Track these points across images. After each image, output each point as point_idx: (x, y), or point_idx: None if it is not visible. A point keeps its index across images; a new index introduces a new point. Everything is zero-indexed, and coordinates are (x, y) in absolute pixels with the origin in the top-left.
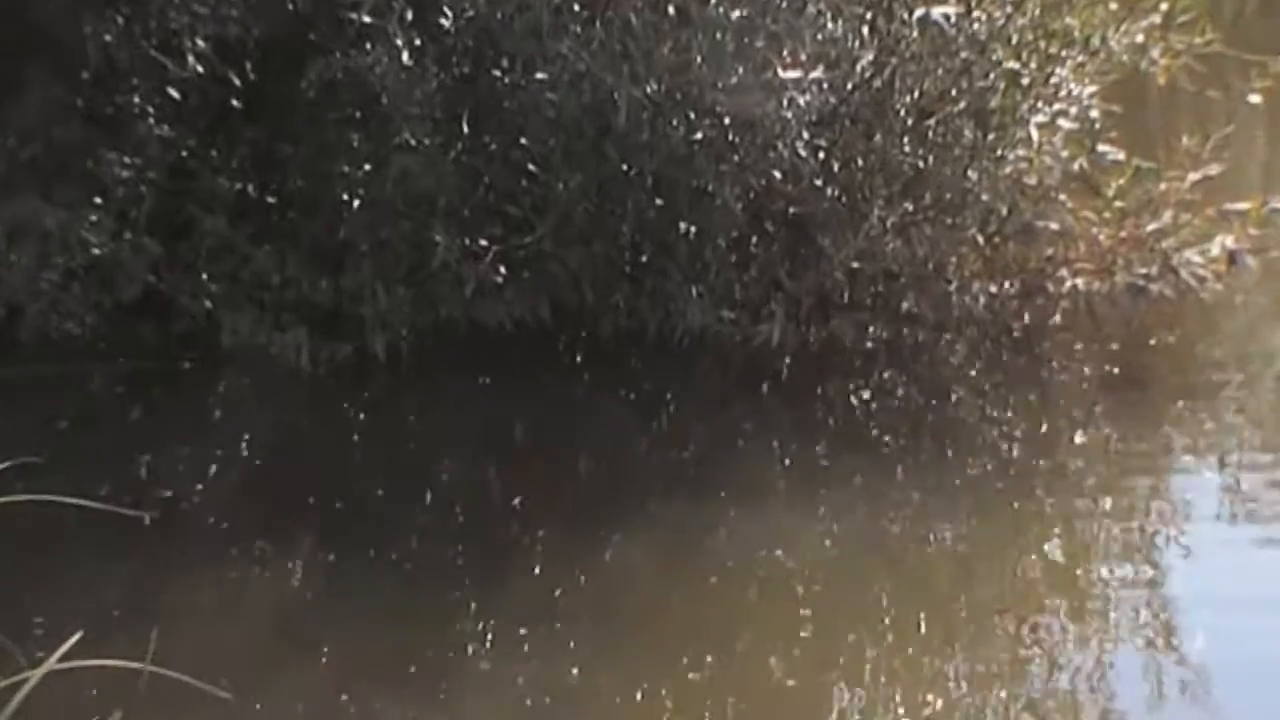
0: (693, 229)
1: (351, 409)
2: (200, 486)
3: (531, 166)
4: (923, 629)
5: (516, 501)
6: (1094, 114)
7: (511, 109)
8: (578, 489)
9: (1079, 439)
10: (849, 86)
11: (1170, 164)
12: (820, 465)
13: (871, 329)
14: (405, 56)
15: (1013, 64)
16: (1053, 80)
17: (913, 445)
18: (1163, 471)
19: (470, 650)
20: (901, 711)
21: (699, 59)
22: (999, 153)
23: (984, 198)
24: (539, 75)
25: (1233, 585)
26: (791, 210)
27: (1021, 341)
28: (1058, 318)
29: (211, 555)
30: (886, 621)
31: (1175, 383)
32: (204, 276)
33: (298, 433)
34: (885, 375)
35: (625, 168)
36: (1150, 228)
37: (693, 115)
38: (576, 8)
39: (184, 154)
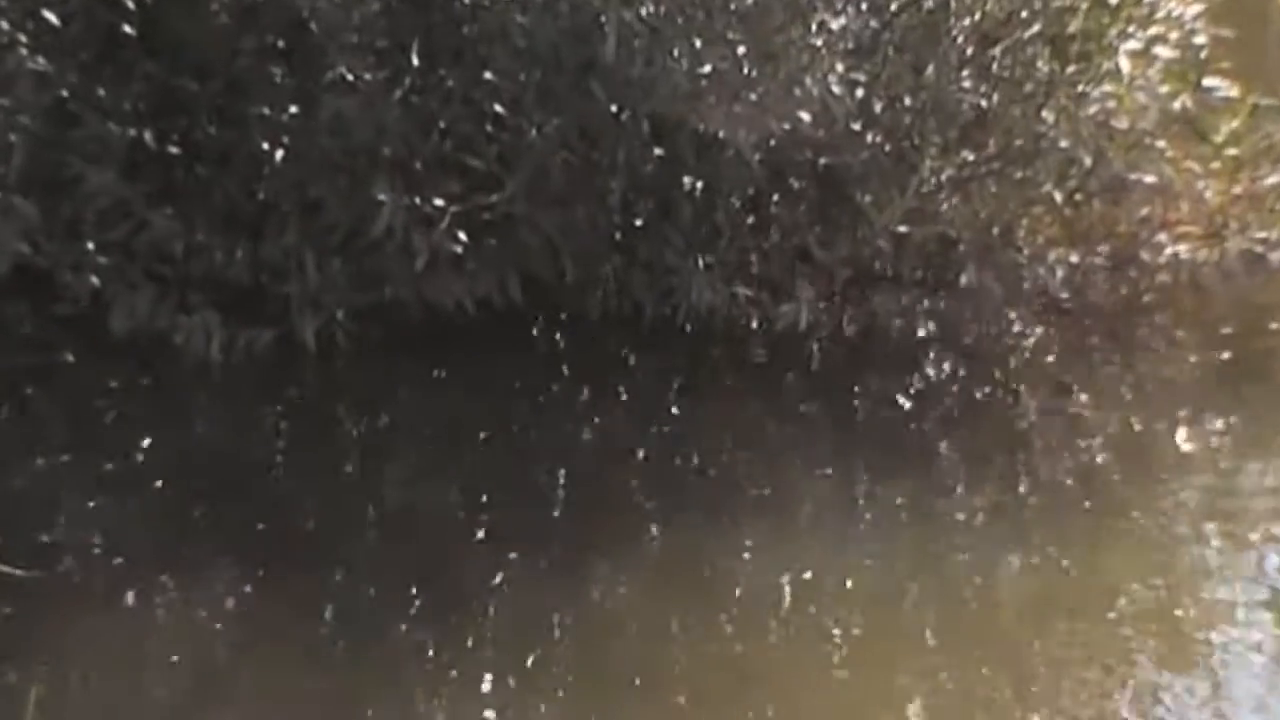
0: (699, 185)
1: (275, 410)
2: (87, 509)
3: (498, 108)
4: (987, 685)
5: (480, 524)
6: (1200, 39)
7: (472, 36)
8: (557, 508)
9: (1183, 444)
10: (893, 6)
11: None
12: (858, 478)
13: (922, 308)
14: None
15: None
16: None
17: (973, 453)
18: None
19: (422, 710)
20: None
21: None
22: (1080, 89)
23: (1062, 145)
24: None
25: None
26: (822, 161)
27: (1109, 323)
28: (1155, 294)
29: (102, 596)
30: (942, 676)
31: None
32: (90, 246)
33: (208, 441)
34: (939, 366)
35: (615, 109)
36: (1270, 181)
37: (698, 43)
38: None
39: (64, 93)
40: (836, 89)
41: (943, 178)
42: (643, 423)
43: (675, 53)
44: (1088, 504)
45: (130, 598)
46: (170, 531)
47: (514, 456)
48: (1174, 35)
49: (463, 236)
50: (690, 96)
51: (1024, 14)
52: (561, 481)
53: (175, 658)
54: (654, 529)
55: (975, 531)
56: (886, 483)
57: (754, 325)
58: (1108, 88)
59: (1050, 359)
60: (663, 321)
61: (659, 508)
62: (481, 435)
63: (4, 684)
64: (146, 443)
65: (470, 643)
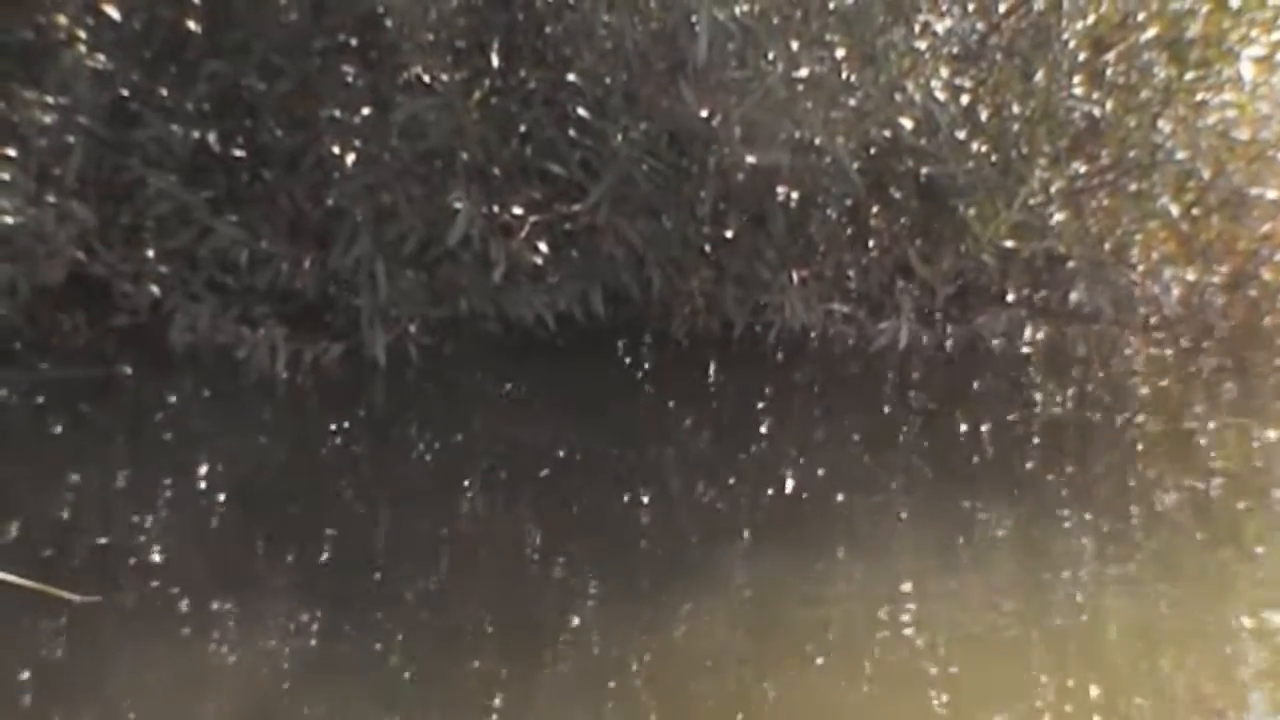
0: (794, 196)
1: (342, 429)
2: (143, 532)
3: (582, 112)
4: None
5: (558, 553)
6: None
7: (555, 36)
8: (638, 536)
9: None
10: (1001, 8)
11: None
12: (959, 506)
13: (1029, 328)
14: None
15: None
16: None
17: (1083, 481)
18: None
19: None
20: None
21: None
22: (1199, 97)
23: (1179, 156)
24: None
25: None
26: (924, 171)
27: (1228, 345)
28: (1276, 315)
29: (161, 624)
30: (1039, 705)
31: None
32: (149, 254)
33: (271, 460)
34: (1046, 388)
35: (705, 114)
36: None
37: (794, 44)
38: None
39: (124, 93)
40: (940, 95)
41: (1052, 190)
42: (731, 446)
43: (770, 55)
44: (1200, 535)
45: (188, 623)
46: (231, 555)
47: (593, 479)
48: None
49: (543, 247)
50: (786, 102)
51: (1140, 17)
52: (643, 506)
53: (234, 685)
54: (741, 556)
55: (1084, 563)
56: (989, 512)
57: (850, 344)
58: (1228, 96)
59: (1164, 382)
60: (753, 339)
61: (747, 534)
62: (560, 456)
63: (63, 706)
64: (206, 461)
65: (545, 675)
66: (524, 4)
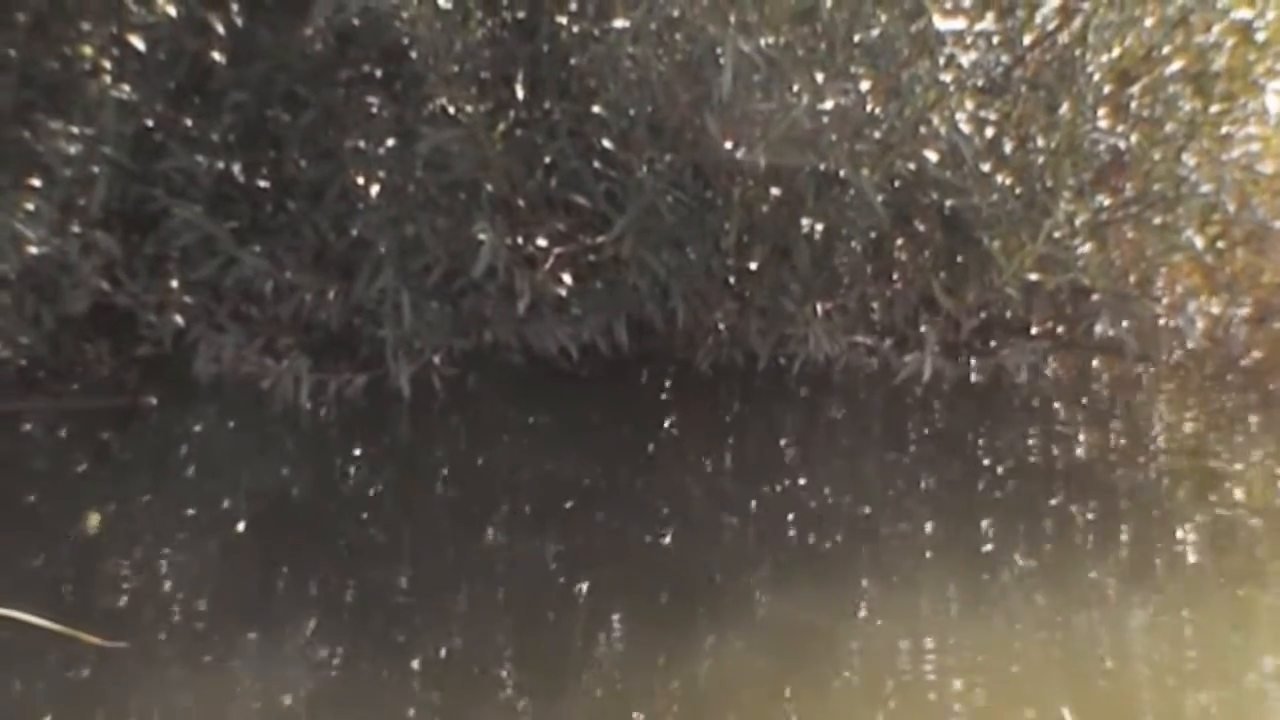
0: (818, 228)
1: (366, 460)
2: (167, 566)
3: (606, 143)
4: None
5: (583, 587)
6: None
7: (580, 67)
8: (664, 571)
9: None
10: (1026, 41)
11: None
12: (984, 542)
13: (1053, 361)
14: None
15: (1244, 12)
16: None
17: (1108, 517)
18: None
19: None
20: None
21: (828, 3)
22: (1225, 130)
23: (1204, 189)
24: (617, 23)
25: None
26: (949, 204)
27: (1253, 379)
28: None
29: (184, 661)
30: None
31: None
32: (174, 284)
33: (296, 492)
34: (1070, 422)
35: (729, 146)
36: None
37: (820, 77)
38: None
39: (149, 123)
40: (965, 128)
41: (1076, 223)
42: (754, 478)
43: (795, 87)
44: (1223, 576)
45: (212, 657)
46: (255, 588)
47: (617, 511)
48: None
49: (567, 278)
50: (810, 134)
51: (1165, 50)
52: (667, 539)
53: (256, 715)
54: (765, 590)
55: (1109, 603)
56: (1013, 549)
57: (874, 376)
58: (1254, 129)
59: (1188, 417)
60: (777, 371)
61: (770, 568)
62: (584, 487)
63: None
64: (230, 493)
65: (569, 707)
66: (549, 36)
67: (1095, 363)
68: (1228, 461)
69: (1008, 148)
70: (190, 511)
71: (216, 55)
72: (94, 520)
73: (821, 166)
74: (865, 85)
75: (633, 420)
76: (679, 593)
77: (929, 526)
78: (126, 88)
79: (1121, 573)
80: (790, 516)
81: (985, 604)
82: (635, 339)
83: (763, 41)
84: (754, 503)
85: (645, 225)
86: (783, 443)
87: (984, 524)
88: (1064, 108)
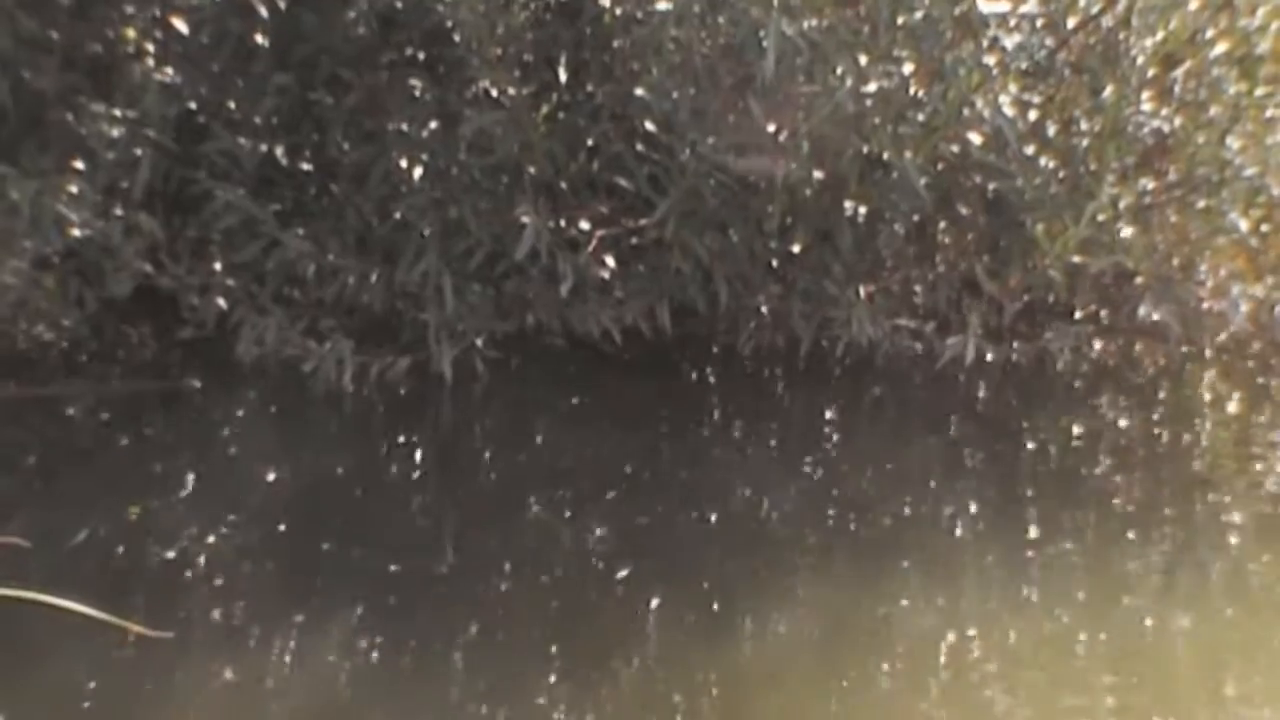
0: (861, 211)
1: (409, 443)
2: (210, 549)
3: (649, 126)
4: None
5: (624, 570)
6: None
7: (624, 50)
8: (704, 554)
9: None
10: (1070, 24)
11: None
12: (1025, 523)
13: (1096, 344)
14: None
15: None
16: None
17: (1148, 500)
18: None
19: None
20: None
21: None
22: (1269, 113)
23: (1249, 173)
24: (660, 5)
25: None
26: (992, 187)
27: None
28: None
29: (226, 639)
30: None
31: None
32: (216, 267)
33: (338, 475)
34: (1114, 406)
35: (773, 129)
36: None
37: (863, 60)
38: None
39: (192, 106)
40: (1009, 111)
41: (1120, 206)
42: (797, 462)
43: (838, 70)
44: (1266, 557)
45: (255, 638)
46: (297, 571)
47: (659, 495)
48: None
49: (610, 261)
50: (854, 117)
51: (1209, 33)
52: (709, 522)
53: (300, 702)
54: (807, 573)
55: (1149, 584)
56: (1055, 529)
57: (917, 359)
58: None
59: (1232, 401)
60: (819, 354)
61: (813, 555)
62: (626, 472)
63: None
64: (273, 476)
65: (613, 697)
66: (592, 19)
67: (1138, 346)
68: (1272, 445)
69: (1051, 131)
70: (233, 494)
71: (260, 38)
72: (135, 510)
73: (865, 149)
74: (908, 68)
75: (675, 404)
76: (721, 569)
77: (972, 510)
78: (170, 71)
79: (1166, 554)
80: (832, 497)
81: (1030, 585)
82: (678, 322)
83: (806, 24)
84: (796, 484)
85: (688, 208)
86: (826, 426)
87: (1026, 506)
88: (1108, 91)
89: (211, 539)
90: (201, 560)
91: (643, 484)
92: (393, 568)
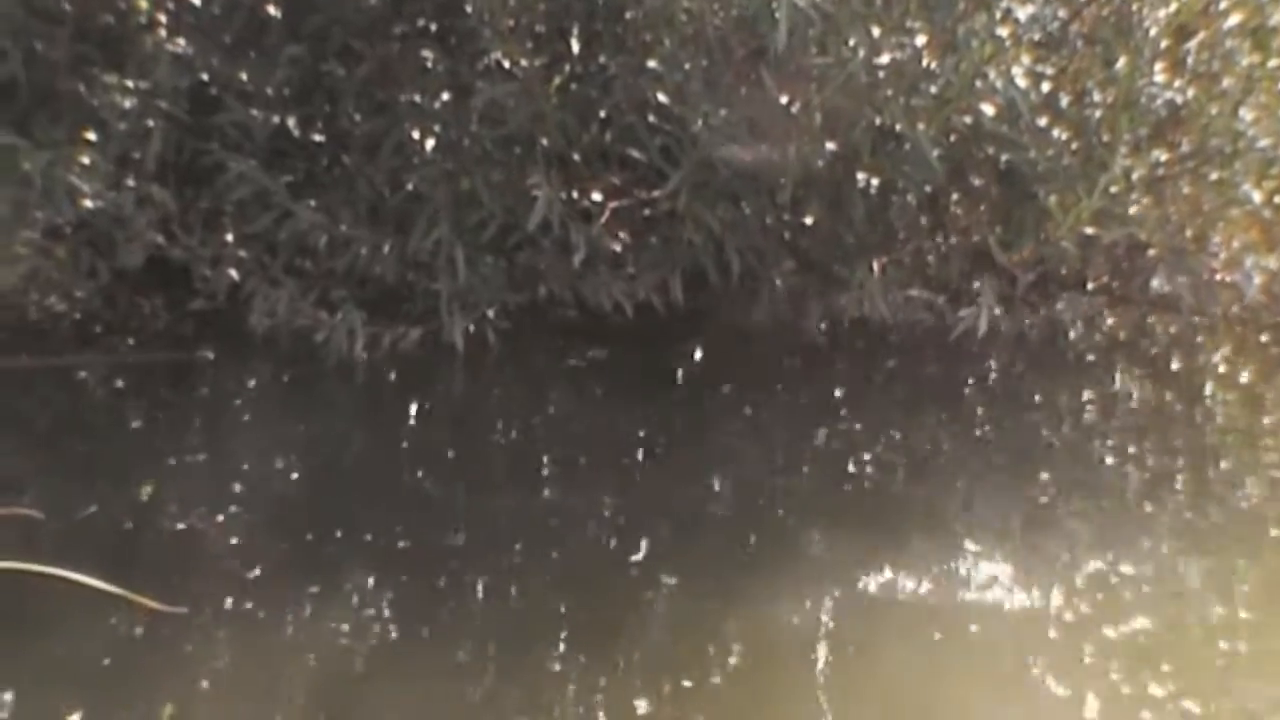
0: (874, 182)
1: (421, 414)
2: (223, 517)
3: (662, 97)
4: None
5: (634, 539)
6: None
7: (636, 21)
8: (718, 523)
9: None
10: None
11: None
12: (1037, 494)
13: (1109, 316)
14: None
15: None
16: None
17: (1161, 470)
18: None
19: None
20: None
21: None
22: None
23: (1262, 144)
24: None
25: None
26: (1005, 158)
27: None
28: None
29: (239, 609)
30: (1124, 690)
31: None
32: (229, 238)
33: (350, 445)
34: (1126, 376)
35: (785, 100)
36: None
37: (876, 31)
38: None
39: (204, 78)
40: (1021, 82)
41: (1133, 178)
42: (809, 435)
43: (851, 41)
44: (1277, 531)
45: (268, 607)
46: (309, 543)
47: (671, 468)
48: None
49: (622, 234)
50: (867, 88)
51: (1222, 4)
52: (721, 495)
53: (313, 674)
54: (819, 549)
55: (1159, 554)
56: (1070, 504)
57: (929, 330)
58: None
59: (1245, 375)
60: (832, 325)
61: (825, 525)
62: (638, 445)
63: (135, 695)
64: (286, 446)
65: (629, 666)
66: None
67: (1151, 318)
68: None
69: (1064, 102)
70: (246, 466)
71: (271, 9)
72: (148, 483)
73: (877, 121)
74: (921, 40)
75: (688, 376)
76: (732, 540)
77: (983, 478)
78: (182, 41)
79: (1172, 522)
80: (843, 468)
81: (1033, 545)
82: (691, 294)
83: None
84: (808, 455)
85: (700, 180)
86: (838, 397)
87: (1040, 476)
88: (1121, 62)
89: (224, 511)
90: (214, 533)
91: (655, 453)
92: (406, 538)
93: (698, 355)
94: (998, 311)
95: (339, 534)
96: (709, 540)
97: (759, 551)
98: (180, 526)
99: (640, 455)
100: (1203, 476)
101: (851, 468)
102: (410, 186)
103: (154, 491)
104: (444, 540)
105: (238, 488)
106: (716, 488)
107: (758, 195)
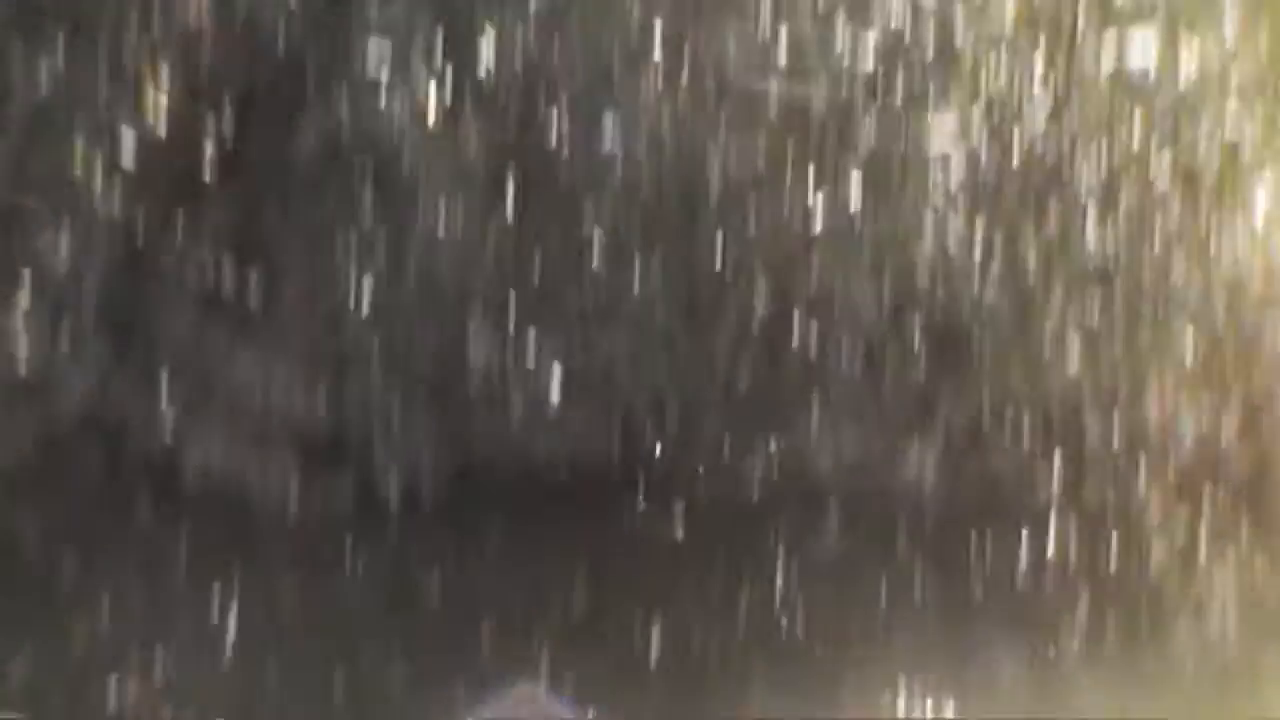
0: (813, 337)
1: (354, 571)
2: (153, 674)
3: (599, 248)
4: None
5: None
6: None
7: (571, 174)
8: (655, 683)
9: None
10: (1015, 151)
11: None
12: (973, 653)
13: (1045, 468)
14: (431, 105)
15: (1232, 115)
16: None
17: (1099, 631)
18: None
19: None
20: None
21: (817, 119)
22: (1214, 234)
23: (1195, 294)
24: (607, 129)
25: None
26: (942, 308)
27: (1247, 489)
28: None
29: None
30: None
31: None
32: (163, 388)
33: (283, 603)
34: (1064, 530)
35: (719, 256)
36: None
37: (811, 191)
38: (657, 36)
39: (140, 226)
40: (957, 238)
41: (1069, 331)
42: (745, 593)
43: (788, 197)
44: (1217, 690)
45: None
46: (244, 702)
47: (611, 626)
48: None
49: (559, 388)
50: (804, 244)
51: (1152, 154)
52: (661, 653)
53: None
54: (757, 710)
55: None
56: (1003, 659)
57: (868, 485)
58: (1244, 233)
59: (1181, 528)
60: (774, 482)
61: (760, 684)
62: (573, 609)
63: None
64: (218, 604)
65: None
66: (537, 143)
67: (1088, 472)
68: (1214, 569)
69: (999, 253)
70: (178, 619)
71: (210, 150)
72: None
73: (815, 276)
74: (856, 195)
75: (623, 533)
76: (670, 703)
77: (918, 636)
78: (118, 191)
79: (1102, 674)
80: (780, 627)
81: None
82: (628, 449)
83: (755, 151)
84: (744, 611)
85: (639, 332)
86: (780, 552)
87: (970, 632)
88: (1053, 215)
89: (153, 661)
90: (134, 693)
91: (588, 621)
92: (336, 695)
93: (634, 510)
94: (936, 462)
95: (271, 693)
96: (647, 704)
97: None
98: (112, 680)
99: (574, 622)
100: (1135, 632)
101: (785, 628)
102: (346, 336)
103: (86, 649)
104: (376, 702)
105: (168, 642)
106: (650, 654)
107: (695, 348)
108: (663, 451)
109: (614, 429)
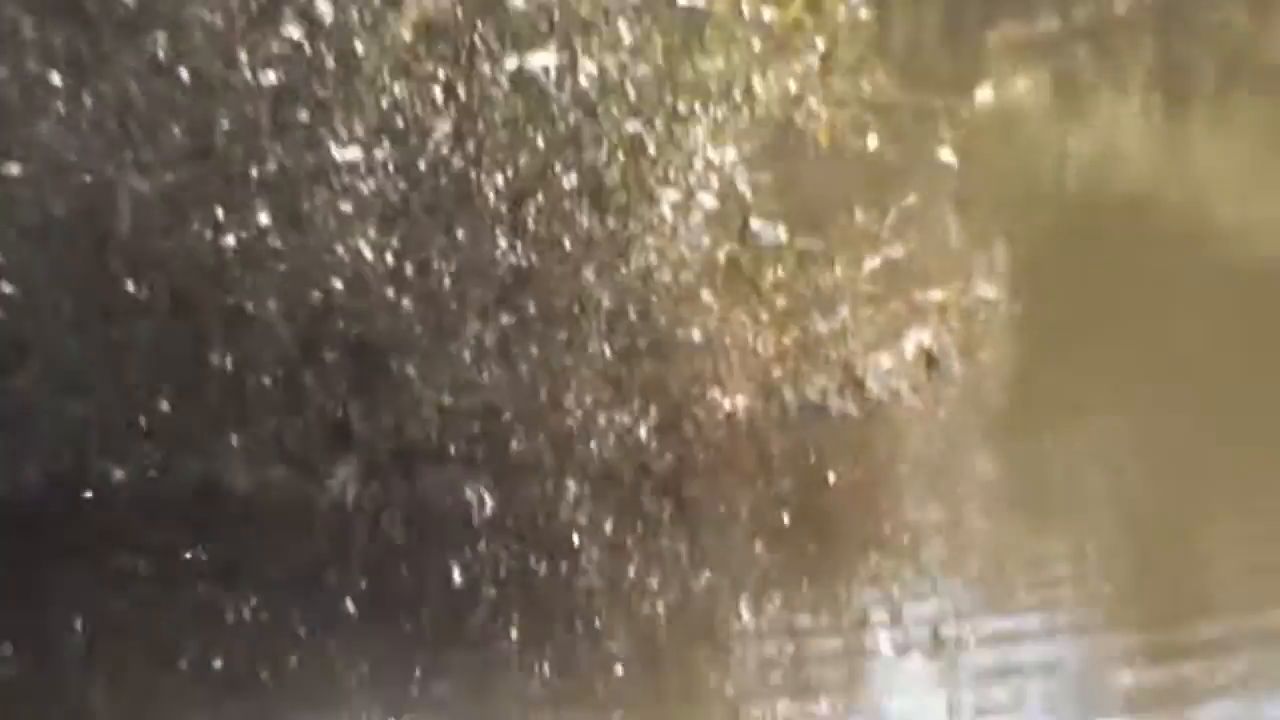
0: (228, 361)
1: None
2: None
3: (7, 287)
4: None
5: None
6: (741, 185)
7: None
8: None
9: (745, 616)
10: (421, 166)
11: (843, 246)
12: (407, 679)
13: (474, 485)
14: None
15: (633, 126)
16: (686, 145)
17: (533, 637)
18: (858, 656)
19: None
20: None
21: (223, 138)
22: (622, 243)
23: (605, 303)
24: (12, 169)
25: None
26: (357, 331)
27: (665, 485)
28: (710, 453)
29: None
30: None
31: (864, 531)
32: None
33: None
34: (497, 544)
35: (132, 285)
36: (823, 329)
37: (221, 212)
38: (55, 76)
39: None
40: (368, 254)
41: (485, 342)
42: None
43: (196, 224)
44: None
45: None
46: None
47: None
48: (715, 182)
49: None
50: (214, 269)
51: (558, 167)
52: None
53: None
54: None
55: None
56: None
57: (295, 506)
58: (650, 240)
59: (607, 526)
60: (200, 504)
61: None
62: None
63: None
64: None
65: None
66: None
67: (518, 485)
68: (639, 567)
69: (410, 272)
70: None
71: None
72: None
73: (228, 300)
74: (266, 218)
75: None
76: None
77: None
78: None
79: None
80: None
81: None
82: (49, 481)
83: (166, 176)
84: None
85: (53, 370)
86: (210, 575)
87: (409, 648)
88: (461, 230)
89: None
90: None
91: None
92: None
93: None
94: (359, 485)
95: None
96: None
97: None
98: None
99: None
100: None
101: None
102: None
103: None
104: None
105: None
106: None
107: (113, 381)
108: (83, 480)
109: (33, 463)
